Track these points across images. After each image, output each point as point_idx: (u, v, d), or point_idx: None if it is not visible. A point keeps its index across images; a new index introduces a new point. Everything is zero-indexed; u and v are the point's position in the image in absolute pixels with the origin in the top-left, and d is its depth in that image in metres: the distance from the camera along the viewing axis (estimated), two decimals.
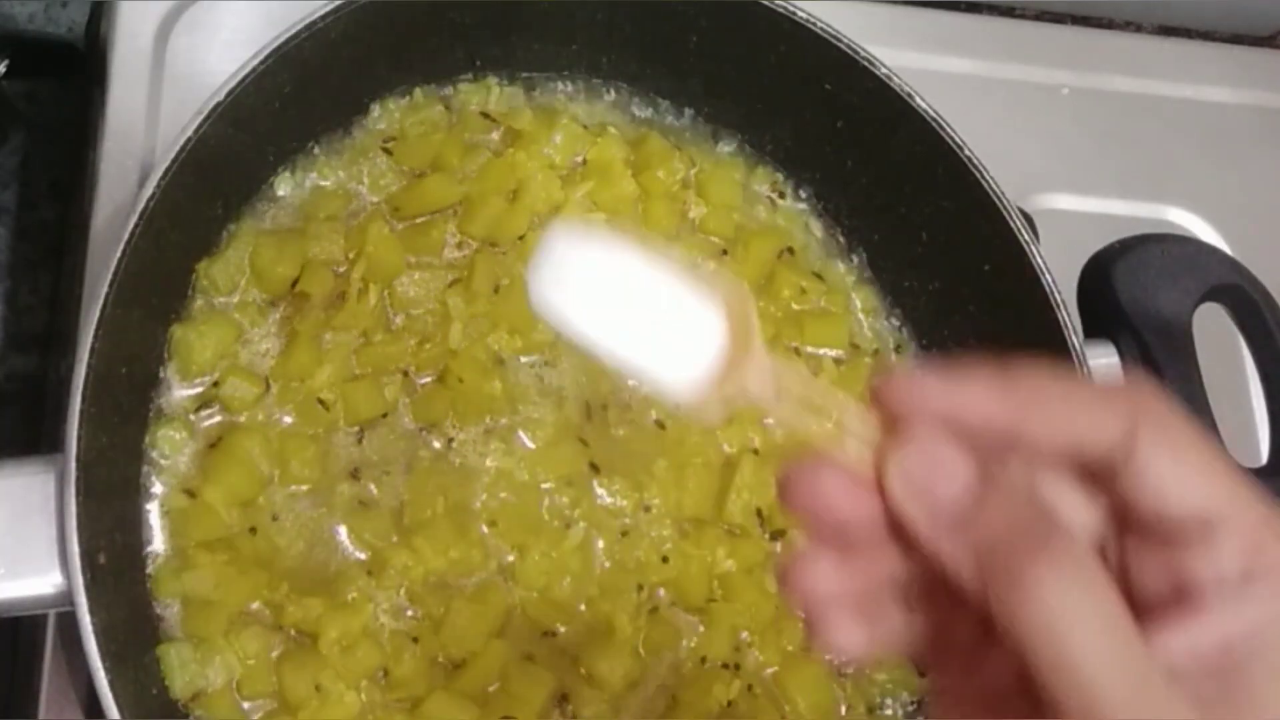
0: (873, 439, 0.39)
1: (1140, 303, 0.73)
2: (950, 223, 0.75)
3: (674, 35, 0.76)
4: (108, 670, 0.57)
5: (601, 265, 0.40)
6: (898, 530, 0.39)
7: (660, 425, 0.73)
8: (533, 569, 0.69)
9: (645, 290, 0.40)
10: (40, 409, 0.81)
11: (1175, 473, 0.37)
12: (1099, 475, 0.39)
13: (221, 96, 0.64)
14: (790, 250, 0.79)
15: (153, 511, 0.67)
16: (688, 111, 0.81)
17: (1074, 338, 0.69)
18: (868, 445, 0.39)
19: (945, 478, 0.38)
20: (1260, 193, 0.99)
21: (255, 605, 0.67)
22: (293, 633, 0.67)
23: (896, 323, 0.80)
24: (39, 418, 0.81)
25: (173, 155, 0.63)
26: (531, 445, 0.72)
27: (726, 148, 0.81)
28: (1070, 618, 0.35)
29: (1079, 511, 0.39)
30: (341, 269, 0.72)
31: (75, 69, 0.86)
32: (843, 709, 0.72)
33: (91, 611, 0.57)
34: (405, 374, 0.72)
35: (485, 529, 0.70)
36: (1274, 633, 0.36)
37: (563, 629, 0.69)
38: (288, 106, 0.70)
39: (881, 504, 0.39)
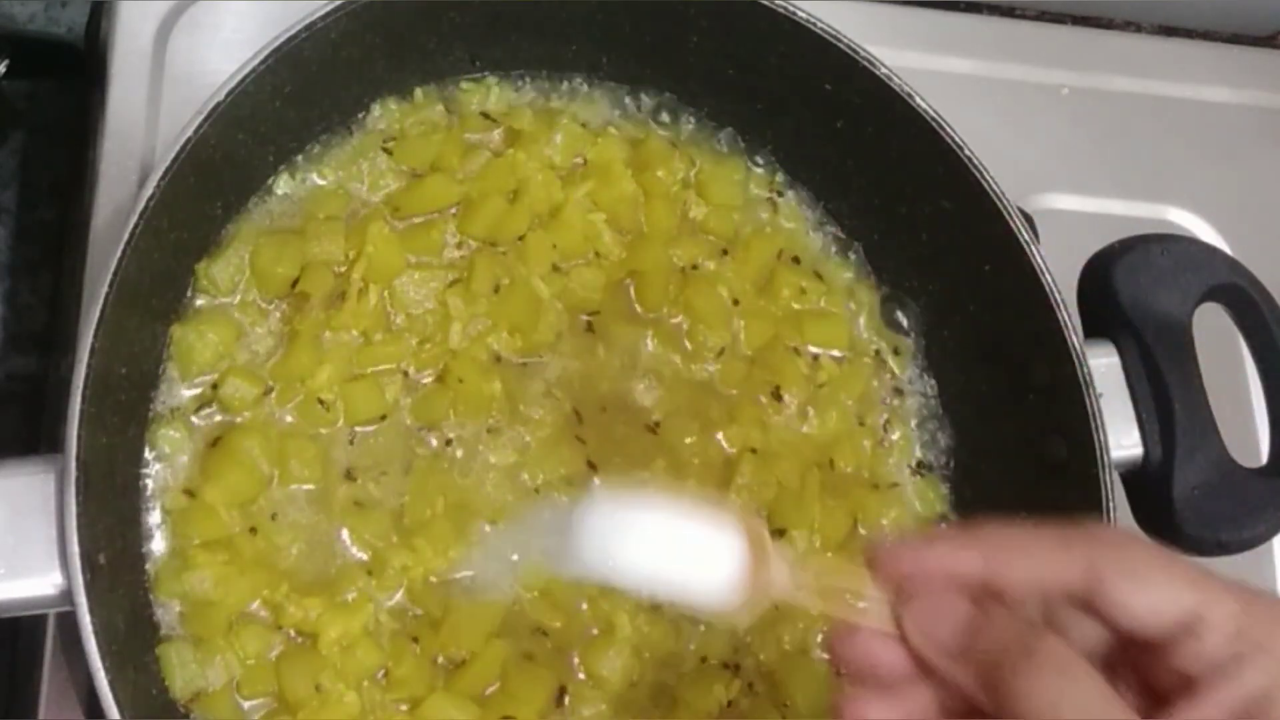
0: (883, 599, 0.48)
1: (1140, 303, 0.73)
2: (950, 223, 0.75)
3: (674, 35, 0.76)
4: (108, 670, 0.57)
5: (629, 524, 0.49)
6: (924, 667, 0.47)
7: (653, 429, 0.73)
8: (533, 569, 0.69)
9: (671, 534, 0.48)
10: (40, 409, 0.81)
11: (1143, 596, 0.44)
12: (1086, 604, 0.45)
13: (221, 96, 0.64)
14: (793, 257, 0.79)
15: (153, 511, 0.67)
16: (688, 111, 0.80)
17: (1074, 338, 0.69)
18: (881, 605, 0.48)
19: (947, 620, 0.46)
20: (1260, 193, 0.99)
21: (255, 605, 0.67)
22: (293, 633, 0.67)
23: (897, 323, 0.80)
24: (39, 418, 0.81)
25: (173, 155, 0.63)
26: (531, 445, 0.72)
27: (726, 148, 0.81)
28: (1056, 713, 0.42)
29: (1085, 632, 0.46)
30: (341, 269, 0.72)
31: (75, 69, 0.86)
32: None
33: (91, 611, 0.57)
34: (405, 374, 0.72)
35: (485, 528, 0.70)
36: (1272, 697, 0.42)
37: (562, 628, 0.69)
38: (288, 106, 0.70)
39: (906, 649, 0.47)
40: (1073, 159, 0.96)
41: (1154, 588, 0.44)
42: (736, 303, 0.77)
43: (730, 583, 0.48)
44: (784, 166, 0.81)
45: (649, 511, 0.49)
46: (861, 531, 0.75)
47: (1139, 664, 0.46)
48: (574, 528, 0.48)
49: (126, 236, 0.61)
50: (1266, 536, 0.73)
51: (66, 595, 0.58)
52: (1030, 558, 0.46)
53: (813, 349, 0.78)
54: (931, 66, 0.92)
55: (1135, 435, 0.72)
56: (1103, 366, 0.71)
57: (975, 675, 0.45)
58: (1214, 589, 0.44)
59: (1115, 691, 0.42)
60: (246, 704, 0.66)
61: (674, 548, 0.48)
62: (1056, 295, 0.70)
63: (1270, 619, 0.43)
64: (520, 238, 0.75)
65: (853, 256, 0.80)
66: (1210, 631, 0.43)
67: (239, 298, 0.71)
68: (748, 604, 0.49)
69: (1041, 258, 0.70)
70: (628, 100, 0.80)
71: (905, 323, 0.80)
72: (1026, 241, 0.70)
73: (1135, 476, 0.72)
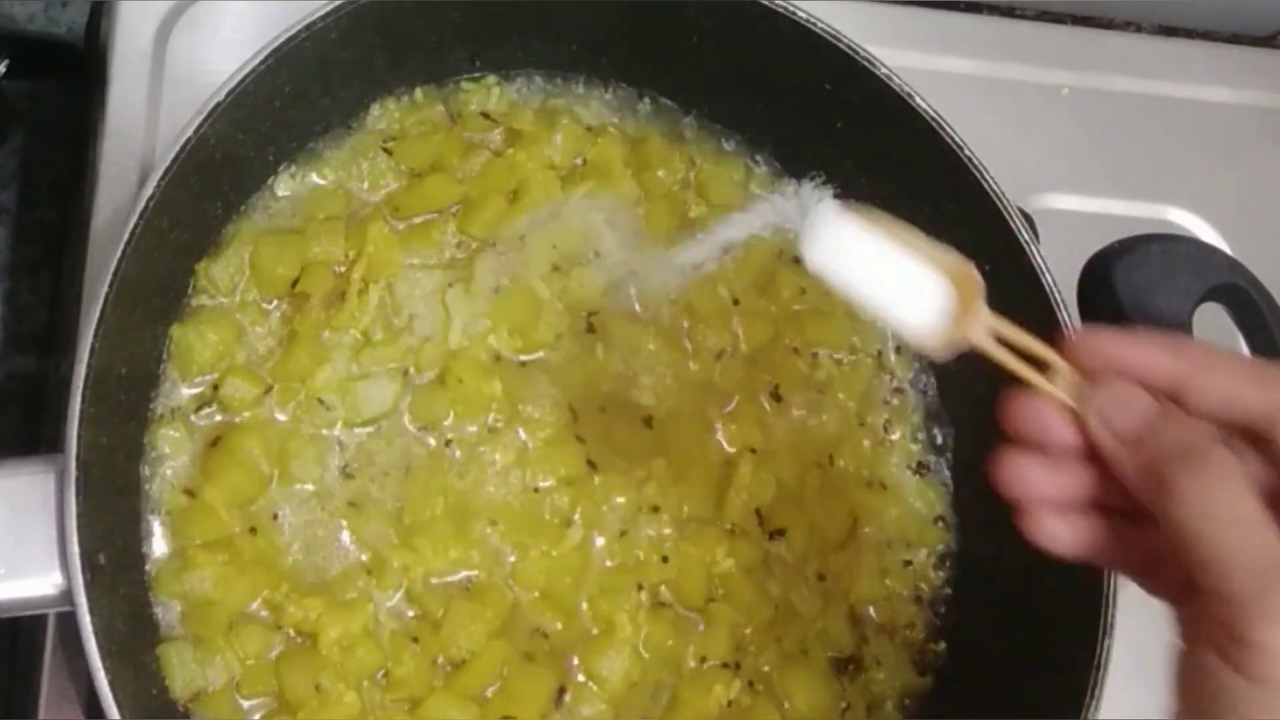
0: (1070, 376, 0.50)
1: (1140, 303, 0.73)
2: (950, 223, 0.74)
3: (674, 35, 0.76)
4: (108, 670, 0.57)
5: (863, 236, 0.52)
6: (1091, 452, 0.49)
7: (652, 429, 0.73)
8: (532, 569, 0.69)
9: (895, 258, 0.52)
10: (40, 409, 0.81)
11: None
12: (1260, 438, 0.47)
13: (221, 96, 0.64)
14: (793, 257, 0.79)
15: (153, 511, 0.67)
16: (688, 111, 0.81)
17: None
18: (1067, 380, 0.50)
19: (1131, 409, 0.48)
20: (1260, 193, 0.99)
21: (255, 605, 0.67)
22: (293, 633, 0.67)
23: None
24: (39, 418, 0.81)
25: (173, 155, 0.63)
26: (531, 445, 0.72)
27: (726, 148, 0.81)
28: (1208, 515, 0.44)
29: (1251, 461, 0.47)
30: (341, 269, 0.72)
31: (75, 69, 0.86)
32: (843, 708, 0.72)
33: (91, 611, 0.57)
34: (405, 374, 0.72)
35: (485, 529, 0.70)
36: None
37: (562, 628, 0.69)
38: (288, 106, 0.70)
39: (1078, 430, 0.49)
40: (1073, 159, 0.96)
41: None
42: (736, 303, 0.77)
43: (938, 315, 0.51)
44: (784, 167, 0.81)
45: (880, 229, 0.52)
46: (866, 530, 0.75)
47: None
48: (812, 222, 0.51)
49: (126, 236, 0.61)
50: None
51: (66, 595, 0.58)
52: (1229, 377, 0.47)
53: (813, 349, 0.78)
54: (931, 66, 0.92)
55: None
56: None
57: (1141, 467, 0.47)
58: None
59: (1271, 519, 0.44)
60: (246, 704, 0.66)
61: (893, 270, 0.52)
62: (1056, 295, 0.70)
63: None
64: (520, 238, 0.75)
65: None
66: None
67: (239, 298, 0.71)
68: (947, 339, 0.51)
69: (1041, 258, 0.70)
70: (627, 100, 0.80)
71: None
72: (1026, 241, 0.70)
73: None
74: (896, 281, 0.52)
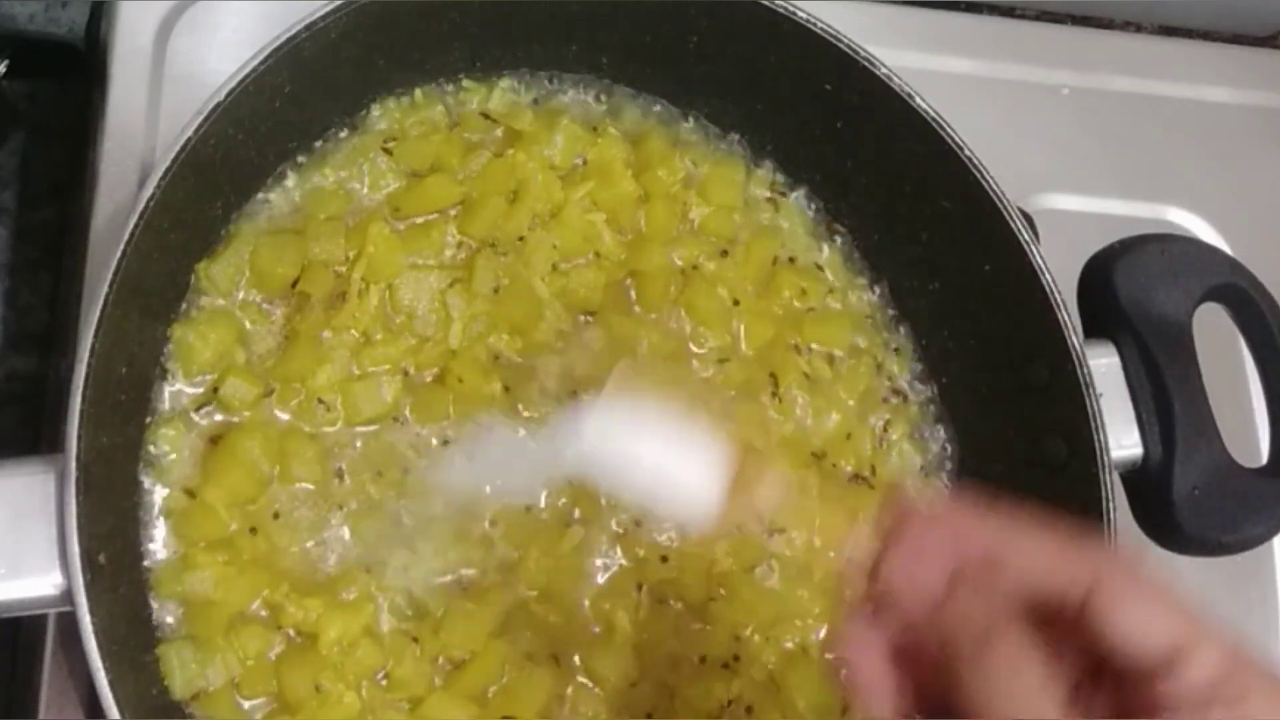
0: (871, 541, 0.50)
1: (1140, 303, 0.73)
2: (950, 223, 0.75)
3: (674, 35, 0.76)
4: (108, 670, 0.57)
5: (636, 425, 0.53)
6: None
7: None
8: (533, 569, 0.69)
9: (668, 442, 0.52)
10: (40, 409, 0.81)
11: (1140, 617, 0.45)
12: (1073, 620, 0.46)
13: (221, 96, 0.64)
14: (791, 258, 0.79)
15: (153, 511, 0.67)
16: (688, 111, 0.81)
17: (1074, 338, 0.69)
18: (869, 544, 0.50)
19: (923, 576, 0.48)
20: (1260, 193, 0.99)
21: (255, 605, 0.67)
22: (293, 633, 0.67)
23: (896, 322, 0.80)
24: (39, 418, 0.81)
25: (173, 155, 0.63)
26: (531, 444, 0.72)
27: (726, 148, 0.81)
28: (999, 694, 0.44)
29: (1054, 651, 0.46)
30: (341, 269, 0.72)
31: (75, 69, 0.86)
32: (842, 708, 0.72)
33: (91, 611, 0.57)
34: (405, 374, 0.72)
35: (485, 529, 0.70)
36: None
37: (562, 628, 0.69)
38: (288, 106, 0.70)
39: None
40: (1073, 159, 0.96)
41: (1152, 608, 0.45)
42: (737, 303, 0.77)
43: (709, 497, 0.52)
44: (784, 167, 0.81)
45: (649, 424, 0.53)
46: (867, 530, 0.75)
47: (1115, 687, 0.46)
48: (576, 427, 0.52)
49: (126, 236, 0.61)
50: (1266, 536, 0.73)
51: (66, 595, 0.58)
52: (1040, 550, 0.47)
53: (813, 349, 0.78)
54: (931, 66, 0.92)
55: (1135, 435, 0.72)
56: (1103, 366, 0.72)
57: (936, 636, 0.47)
58: (1207, 628, 0.45)
59: (1051, 691, 0.44)
60: (246, 704, 0.66)
61: (665, 459, 0.52)
62: (1056, 295, 0.70)
63: (1251, 673, 0.44)
64: (520, 238, 0.75)
65: (853, 257, 0.80)
66: (1191, 666, 0.44)
67: (239, 298, 0.71)
68: (731, 518, 0.53)
69: (1041, 258, 0.70)
70: (628, 100, 0.80)
71: (904, 322, 0.80)
72: (1026, 241, 0.71)
73: (1135, 476, 0.72)
74: (667, 472, 0.53)
